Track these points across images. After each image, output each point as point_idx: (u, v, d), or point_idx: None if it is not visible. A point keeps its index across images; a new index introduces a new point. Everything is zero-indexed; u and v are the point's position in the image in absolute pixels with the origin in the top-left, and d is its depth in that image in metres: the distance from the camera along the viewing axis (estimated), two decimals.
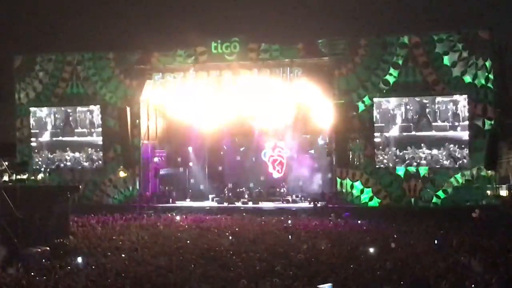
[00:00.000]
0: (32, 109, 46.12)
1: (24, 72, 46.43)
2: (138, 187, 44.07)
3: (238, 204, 42.54)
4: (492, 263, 20.68)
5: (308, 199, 42.06)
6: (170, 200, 44.33)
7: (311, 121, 42.80)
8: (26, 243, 25.18)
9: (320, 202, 40.77)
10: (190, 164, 47.14)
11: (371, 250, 24.24)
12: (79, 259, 23.67)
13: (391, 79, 39.88)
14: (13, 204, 25.83)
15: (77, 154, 45.19)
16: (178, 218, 37.38)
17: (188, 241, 27.80)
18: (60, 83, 45.75)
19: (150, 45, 43.71)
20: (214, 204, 43.15)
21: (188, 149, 46.71)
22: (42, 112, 46.01)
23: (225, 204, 42.52)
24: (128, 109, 43.69)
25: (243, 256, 23.46)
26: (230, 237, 28.87)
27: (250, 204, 42.20)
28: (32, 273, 21.18)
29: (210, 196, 44.77)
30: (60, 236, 27.49)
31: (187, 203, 44.36)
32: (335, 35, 41.63)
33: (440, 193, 38.99)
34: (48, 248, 25.49)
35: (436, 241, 26.35)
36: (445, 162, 38.95)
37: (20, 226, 25.52)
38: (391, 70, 39.85)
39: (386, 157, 40.03)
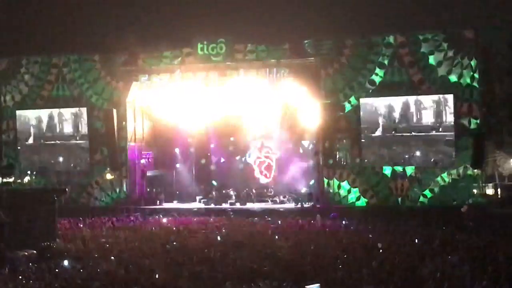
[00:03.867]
0: (18, 111, 45.94)
1: (9, 74, 46.26)
2: (125, 189, 43.97)
3: (226, 205, 42.48)
4: (479, 262, 20.79)
5: (296, 199, 42.04)
6: (158, 202, 44.25)
7: (298, 121, 42.88)
8: (13, 247, 25.09)
9: (307, 203, 40.86)
10: (177, 165, 47.07)
11: (359, 250, 24.30)
12: (66, 262, 23.61)
13: (377, 79, 40.00)
14: None
15: (63, 157, 45.01)
16: (165, 220, 37.35)
17: (176, 243, 27.78)
18: (46, 86, 45.61)
19: (136, 47, 43.63)
20: (202, 205, 43.06)
21: (175, 151, 46.67)
22: (28, 114, 45.83)
23: (213, 206, 42.44)
24: (114, 111, 43.58)
25: (231, 257, 23.46)
26: (218, 239, 28.88)
27: (238, 206, 42.15)
28: (20, 277, 21.10)
29: (198, 198, 44.67)
30: (47, 239, 27.40)
31: (175, 204, 44.30)
32: (321, 36, 41.71)
33: (427, 192, 39.12)
34: (35, 251, 25.41)
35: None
36: (431, 161, 39.13)
37: (6, 229, 25.43)
38: (377, 70, 39.97)
39: (373, 156, 40.14)
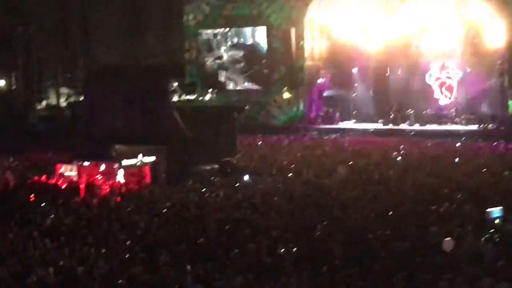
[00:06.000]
0: (200, 30, 47.04)
1: None
2: (302, 109, 44.26)
3: (404, 126, 41.75)
4: None
5: (478, 121, 40.47)
6: (334, 121, 44.22)
7: (482, 40, 40.94)
8: (196, 161, 26.11)
9: (490, 125, 39.31)
10: (355, 85, 46.50)
11: None
12: (247, 177, 24.27)
13: None
14: (183, 123, 26.76)
15: (242, 75, 45.82)
16: (342, 139, 37.38)
17: (351, 163, 27.70)
18: (227, 5, 46.25)
19: None
20: (379, 126, 42.57)
21: (353, 70, 46.04)
22: (209, 33, 46.87)
23: (390, 126, 41.85)
24: (293, 30, 43.60)
25: (408, 180, 23.11)
26: (396, 160, 28.52)
27: (416, 127, 41.29)
28: (203, 190, 21.97)
29: (375, 118, 44.13)
30: (227, 154, 28.24)
31: (351, 124, 44.06)
32: None
33: None
34: (216, 166, 26.32)
35: None
36: None
37: (190, 144, 26.44)
38: None
39: None
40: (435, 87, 43.52)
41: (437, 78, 43.52)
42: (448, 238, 14.20)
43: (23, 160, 26.10)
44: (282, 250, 14.32)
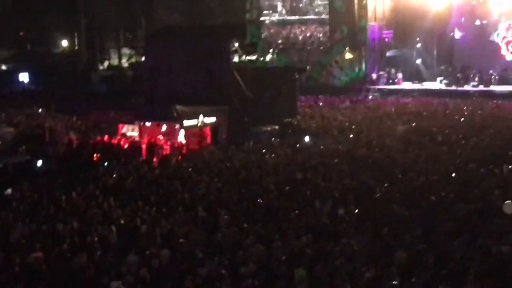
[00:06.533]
0: None
1: None
2: (364, 69, 43.74)
3: (468, 87, 40.95)
4: None
5: None
6: (396, 82, 43.62)
7: None
8: (256, 122, 26.07)
9: None
10: (418, 45, 45.68)
11: None
12: (307, 138, 24.16)
13: None
14: (244, 84, 26.71)
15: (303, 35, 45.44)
16: (405, 100, 36.92)
17: (414, 124, 27.38)
18: None
19: None
20: (442, 86, 41.85)
21: (416, 30, 45.18)
22: None
23: (454, 87, 41.10)
24: None
25: (472, 140, 22.69)
26: (460, 121, 28.03)
27: (481, 88, 40.44)
28: (263, 150, 21.96)
29: (438, 79, 43.35)
30: (288, 115, 28.18)
31: (414, 85, 43.42)
32: None
33: None
34: (277, 127, 26.25)
35: None
36: None
37: (250, 105, 26.41)
38: None
39: None
40: (502, 45, 42.70)
41: (504, 37, 42.76)
42: (510, 201, 13.89)
43: (86, 120, 26.58)
44: (342, 212, 14.26)
